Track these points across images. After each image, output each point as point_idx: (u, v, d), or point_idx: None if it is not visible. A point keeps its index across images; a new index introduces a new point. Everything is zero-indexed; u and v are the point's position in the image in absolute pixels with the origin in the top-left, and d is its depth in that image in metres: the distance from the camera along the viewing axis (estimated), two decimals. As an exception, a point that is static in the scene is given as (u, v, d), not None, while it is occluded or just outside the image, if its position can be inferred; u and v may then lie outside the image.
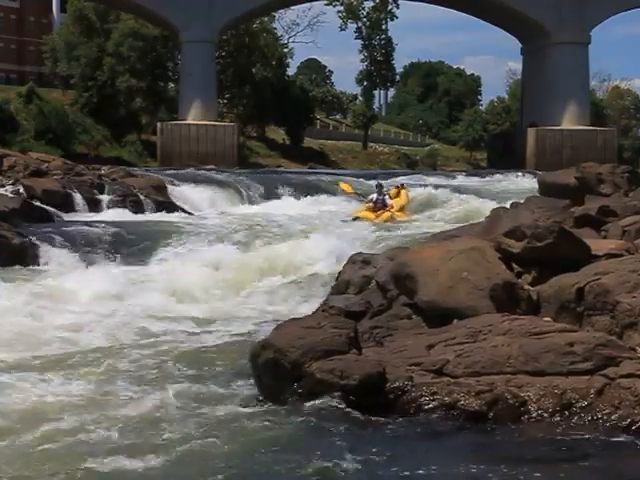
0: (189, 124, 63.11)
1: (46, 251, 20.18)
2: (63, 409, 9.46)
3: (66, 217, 26.35)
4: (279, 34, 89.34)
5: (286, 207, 31.50)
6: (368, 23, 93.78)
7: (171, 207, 30.67)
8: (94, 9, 73.67)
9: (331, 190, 35.85)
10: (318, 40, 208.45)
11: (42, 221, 24.19)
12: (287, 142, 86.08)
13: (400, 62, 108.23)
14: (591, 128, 66.63)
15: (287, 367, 9.39)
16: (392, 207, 27.79)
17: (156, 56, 73.44)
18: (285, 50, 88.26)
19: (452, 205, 30.37)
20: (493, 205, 22.98)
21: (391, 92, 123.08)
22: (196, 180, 36.64)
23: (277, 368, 9.49)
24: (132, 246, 20.99)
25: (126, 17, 73.36)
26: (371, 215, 26.94)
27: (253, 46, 79.45)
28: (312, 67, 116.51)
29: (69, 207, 28.04)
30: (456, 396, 8.89)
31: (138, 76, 71.38)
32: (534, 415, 8.71)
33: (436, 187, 34.95)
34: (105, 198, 29.68)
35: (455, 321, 10.58)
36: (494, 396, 8.83)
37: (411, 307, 11.49)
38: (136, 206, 29.72)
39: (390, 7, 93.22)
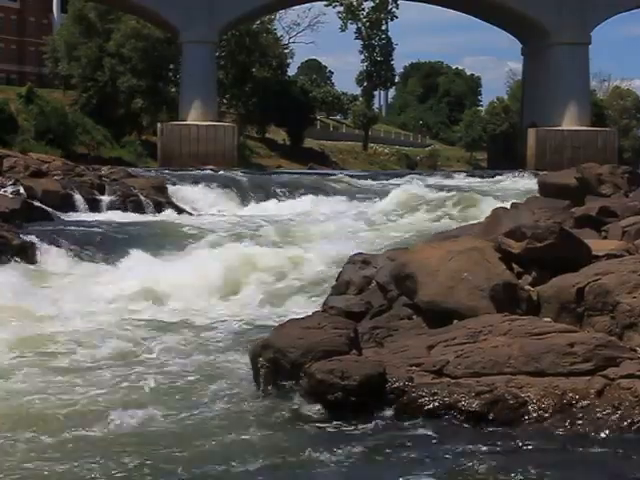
0: (189, 124, 63.08)
1: (46, 251, 20.18)
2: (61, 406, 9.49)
3: (66, 217, 26.34)
4: (279, 34, 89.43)
5: (286, 207, 31.53)
6: (368, 23, 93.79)
7: (171, 207, 30.66)
8: (95, 9, 73.66)
9: (331, 190, 35.93)
10: (318, 40, 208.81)
11: (42, 222, 24.18)
12: (287, 142, 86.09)
13: (400, 63, 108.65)
14: (591, 129, 66.61)
15: (287, 367, 9.39)
16: None
17: (158, 57, 73.42)
18: (286, 51, 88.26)
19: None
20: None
21: (391, 93, 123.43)
22: (196, 180, 36.64)
23: (277, 368, 9.48)
24: (132, 246, 20.93)
25: (127, 18, 73.35)
26: None
27: (253, 46, 79.45)
28: (312, 67, 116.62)
29: (69, 208, 28.01)
30: (456, 397, 8.88)
31: (140, 77, 71.37)
32: (534, 416, 8.70)
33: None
34: (105, 199, 29.67)
35: (455, 321, 10.58)
36: (494, 397, 8.82)
37: (411, 307, 11.48)
38: (136, 206, 29.70)
39: (390, 7, 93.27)
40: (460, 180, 45.84)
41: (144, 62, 71.70)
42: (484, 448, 8.24)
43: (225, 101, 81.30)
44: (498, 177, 45.87)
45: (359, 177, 43.50)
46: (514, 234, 11.77)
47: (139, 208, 29.70)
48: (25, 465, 7.89)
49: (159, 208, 30.12)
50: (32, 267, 19.25)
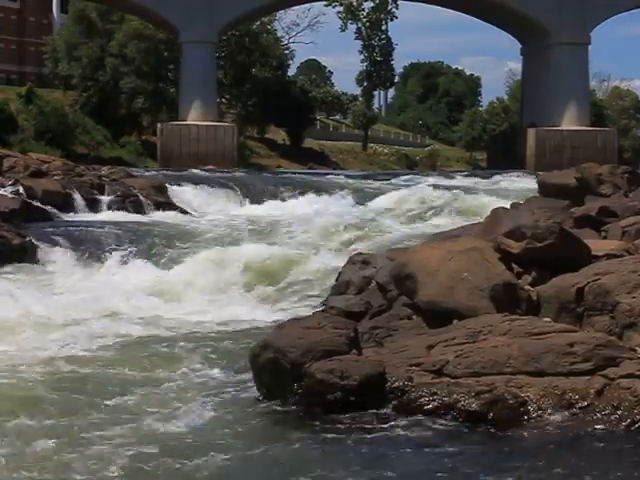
0: (189, 124, 63.03)
1: (46, 251, 20.18)
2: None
3: (66, 217, 26.34)
4: (279, 35, 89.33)
5: (286, 207, 31.51)
6: (368, 24, 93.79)
7: (171, 207, 30.62)
8: (96, 9, 73.62)
9: (331, 190, 35.89)
10: (318, 40, 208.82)
11: (42, 221, 24.18)
12: (287, 142, 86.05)
13: (400, 63, 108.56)
14: (591, 129, 66.57)
15: (287, 367, 9.39)
16: None
17: (160, 58, 73.38)
18: (286, 51, 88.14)
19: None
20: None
21: (391, 93, 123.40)
22: (196, 181, 36.59)
23: (277, 368, 9.49)
24: (132, 246, 20.92)
25: (129, 18, 73.29)
26: None
27: (253, 47, 79.43)
28: (312, 67, 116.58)
29: (69, 207, 27.96)
30: (456, 396, 8.89)
31: (144, 79, 71.37)
32: (534, 415, 8.70)
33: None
34: (105, 199, 29.61)
35: (455, 321, 10.58)
36: (494, 396, 8.82)
37: (411, 307, 11.49)
38: (136, 206, 29.65)
39: (390, 7, 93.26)
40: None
41: (147, 63, 71.66)
42: (484, 448, 8.25)
43: (225, 101, 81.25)
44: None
45: (360, 177, 43.43)
46: (514, 234, 11.78)
47: (139, 208, 29.65)
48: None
49: (159, 208, 30.08)
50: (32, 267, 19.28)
